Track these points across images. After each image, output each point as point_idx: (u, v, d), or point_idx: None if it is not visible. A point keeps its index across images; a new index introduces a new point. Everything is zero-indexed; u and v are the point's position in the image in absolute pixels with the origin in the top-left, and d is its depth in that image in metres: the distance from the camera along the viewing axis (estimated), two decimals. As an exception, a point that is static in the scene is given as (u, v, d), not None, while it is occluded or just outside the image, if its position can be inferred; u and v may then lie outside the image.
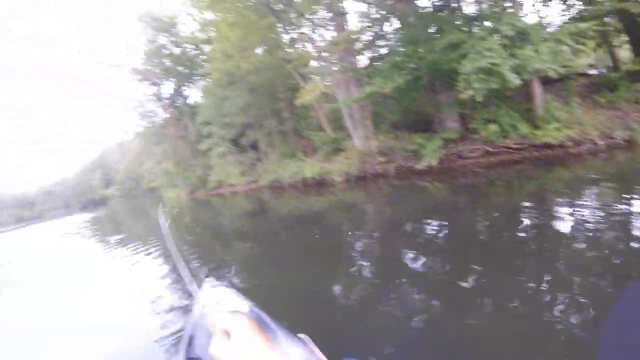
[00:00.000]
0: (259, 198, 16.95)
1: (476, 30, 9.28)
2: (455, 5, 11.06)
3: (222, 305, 3.24)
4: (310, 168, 14.63)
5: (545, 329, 2.63)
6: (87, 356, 4.02)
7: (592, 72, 14.10)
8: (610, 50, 13.15)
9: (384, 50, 15.13)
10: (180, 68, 28.57)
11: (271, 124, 20.39)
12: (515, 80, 7.89)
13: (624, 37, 12.11)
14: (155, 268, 7.83)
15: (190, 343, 2.54)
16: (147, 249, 10.11)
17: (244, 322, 0.66)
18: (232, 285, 3.39)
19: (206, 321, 2.99)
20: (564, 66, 8.12)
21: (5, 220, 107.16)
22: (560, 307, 2.86)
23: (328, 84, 13.60)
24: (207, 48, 24.64)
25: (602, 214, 4.68)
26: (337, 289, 4.40)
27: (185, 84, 30.03)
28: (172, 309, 4.94)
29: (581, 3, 11.23)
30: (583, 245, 3.97)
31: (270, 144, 20.96)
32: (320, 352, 2.20)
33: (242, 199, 18.69)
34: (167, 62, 28.45)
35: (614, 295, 2.93)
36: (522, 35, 8.46)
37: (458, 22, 10.27)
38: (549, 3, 11.33)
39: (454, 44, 9.39)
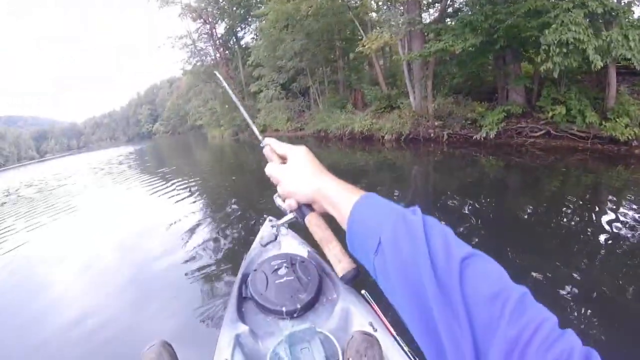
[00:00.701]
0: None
1: (561, 1, 8.32)
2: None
3: (280, 247, 3.19)
4: (360, 122, 14.31)
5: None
6: (139, 289, 4.17)
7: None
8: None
9: (453, 9, 14.23)
10: (235, 8, 28.14)
11: (324, 72, 19.97)
12: (598, 62, 7.21)
13: None
14: (197, 204, 8.13)
15: (244, 281, 2.49)
16: (190, 185, 10.44)
17: (302, 150, 0.64)
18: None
19: (261, 260, 2.94)
20: None
21: (52, 148, 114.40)
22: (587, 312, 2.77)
23: (389, 36, 12.91)
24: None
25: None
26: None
27: (239, 24, 29.66)
28: (222, 247, 4.99)
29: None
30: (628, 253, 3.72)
31: (320, 93, 20.65)
32: (378, 308, 2.11)
33: (286, 145, 18.77)
34: (222, 1, 28.05)
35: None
36: (610, 17, 7.60)
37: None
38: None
39: (537, 11, 8.62)
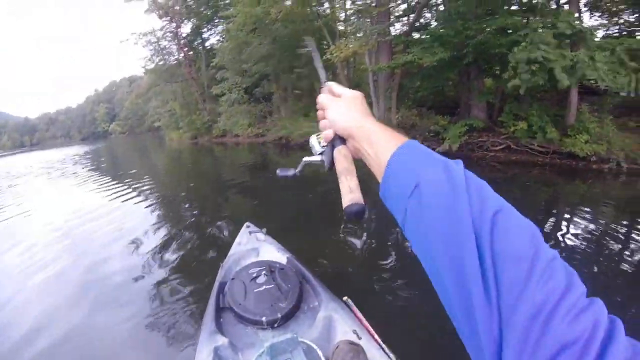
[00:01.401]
0: (263, 153, 16.44)
1: (531, 20, 8.73)
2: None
3: (258, 254, 2.77)
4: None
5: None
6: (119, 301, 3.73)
7: (623, 93, 13.19)
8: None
9: (420, 23, 14.34)
10: (203, 8, 27.38)
11: (288, 78, 19.57)
12: (565, 81, 7.34)
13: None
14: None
15: (221, 291, 2.39)
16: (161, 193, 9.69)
17: (358, 92, 0.64)
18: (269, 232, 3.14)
19: (239, 268, 2.59)
20: (613, 79, 7.53)
21: (4, 144, 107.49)
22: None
23: (358, 46, 12.73)
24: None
25: (607, 236, 4.53)
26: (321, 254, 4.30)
27: (206, 25, 28.85)
28: (192, 255, 4.73)
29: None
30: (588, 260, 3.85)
31: (284, 99, 20.18)
32: (362, 315, 2.05)
33: (246, 151, 18.16)
34: (190, 0, 27.23)
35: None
36: (577, 38, 7.83)
37: (514, 8, 9.79)
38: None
39: (507, 29, 8.83)
